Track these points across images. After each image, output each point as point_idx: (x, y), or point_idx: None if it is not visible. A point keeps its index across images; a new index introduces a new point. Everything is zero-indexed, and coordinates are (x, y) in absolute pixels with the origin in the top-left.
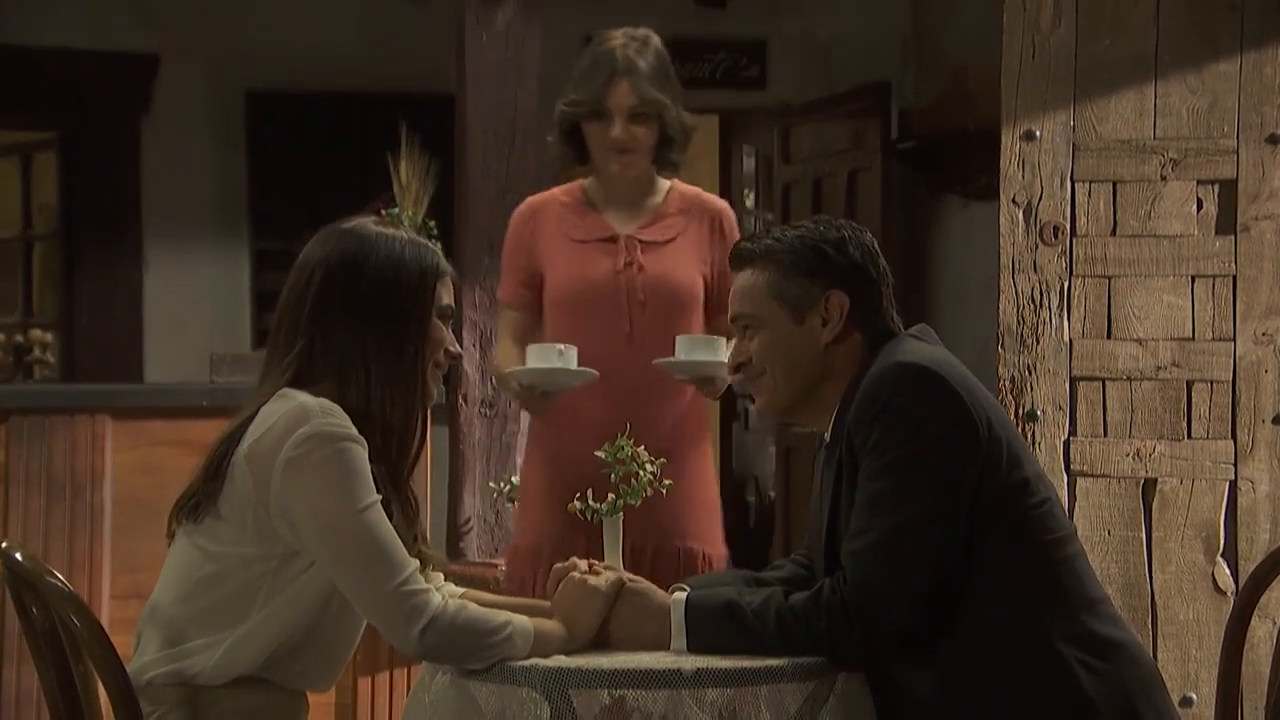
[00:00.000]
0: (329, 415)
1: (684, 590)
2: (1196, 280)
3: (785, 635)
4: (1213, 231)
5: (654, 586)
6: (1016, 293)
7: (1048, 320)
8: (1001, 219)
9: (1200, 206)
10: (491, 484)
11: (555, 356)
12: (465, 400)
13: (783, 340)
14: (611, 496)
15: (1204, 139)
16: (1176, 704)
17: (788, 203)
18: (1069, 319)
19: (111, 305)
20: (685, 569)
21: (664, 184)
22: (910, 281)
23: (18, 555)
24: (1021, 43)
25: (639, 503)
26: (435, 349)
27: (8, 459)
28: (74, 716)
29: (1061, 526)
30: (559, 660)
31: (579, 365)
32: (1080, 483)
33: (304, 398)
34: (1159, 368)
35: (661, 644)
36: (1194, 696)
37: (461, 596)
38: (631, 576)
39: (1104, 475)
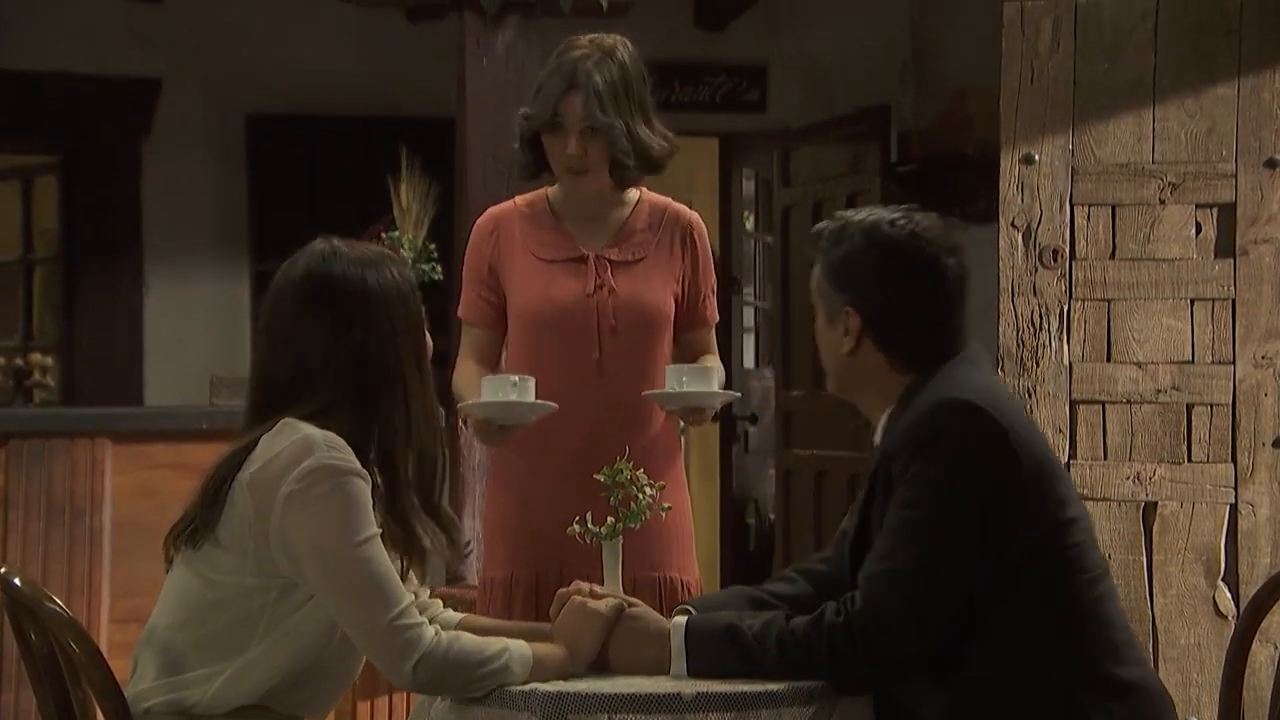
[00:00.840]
0: (334, 450)
1: (685, 614)
2: (1196, 304)
3: (786, 659)
4: (1212, 255)
5: (653, 611)
6: (1016, 316)
7: (1047, 343)
8: (1001, 242)
9: (1199, 230)
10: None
11: (510, 389)
12: (465, 423)
13: (823, 334)
14: (611, 520)
15: (1202, 163)
16: None
17: (787, 225)
18: (1069, 342)
19: (112, 328)
20: (667, 599)
21: (632, 194)
22: None
23: (16, 580)
24: (1020, 66)
25: (639, 525)
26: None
27: (7, 483)
28: None
29: (1095, 566)
30: (558, 685)
31: (542, 395)
32: None
33: (309, 429)
34: (1159, 391)
35: (661, 668)
36: None
37: (460, 624)
38: (632, 600)
39: (1104, 499)
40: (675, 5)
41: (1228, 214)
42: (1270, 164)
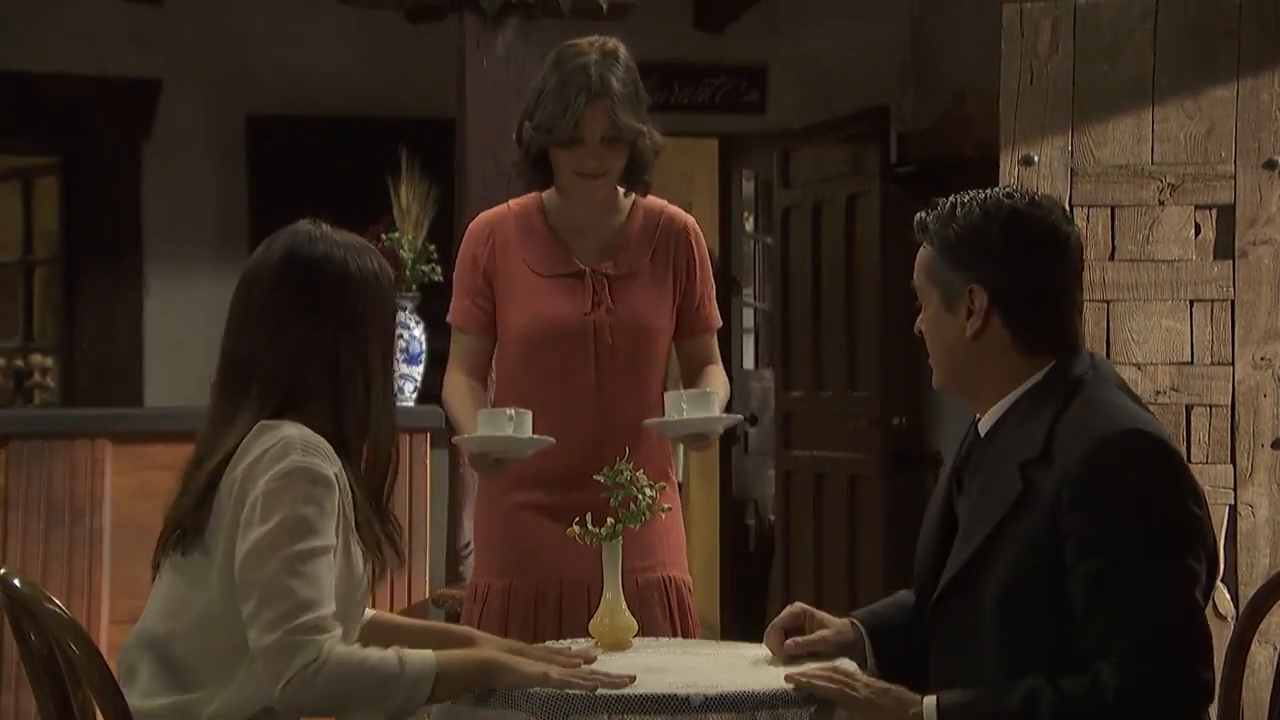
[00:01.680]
0: (310, 454)
1: (855, 624)
2: (1195, 305)
3: None
4: (1211, 256)
5: (897, 689)
6: None
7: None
8: None
9: (1198, 231)
10: None
11: (506, 423)
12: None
13: (937, 325)
14: (611, 521)
15: (1201, 164)
16: None
17: (787, 226)
18: None
19: (112, 329)
20: (673, 595)
21: (626, 201)
22: (909, 306)
23: (16, 581)
24: (1020, 68)
25: (638, 526)
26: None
27: (7, 484)
28: None
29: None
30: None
31: (538, 411)
32: None
33: (288, 430)
34: (1158, 392)
35: None
36: None
37: (370, 621)
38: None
39: None
40: (675, 6)
41: (1227, 215)
42: (1269, 165)
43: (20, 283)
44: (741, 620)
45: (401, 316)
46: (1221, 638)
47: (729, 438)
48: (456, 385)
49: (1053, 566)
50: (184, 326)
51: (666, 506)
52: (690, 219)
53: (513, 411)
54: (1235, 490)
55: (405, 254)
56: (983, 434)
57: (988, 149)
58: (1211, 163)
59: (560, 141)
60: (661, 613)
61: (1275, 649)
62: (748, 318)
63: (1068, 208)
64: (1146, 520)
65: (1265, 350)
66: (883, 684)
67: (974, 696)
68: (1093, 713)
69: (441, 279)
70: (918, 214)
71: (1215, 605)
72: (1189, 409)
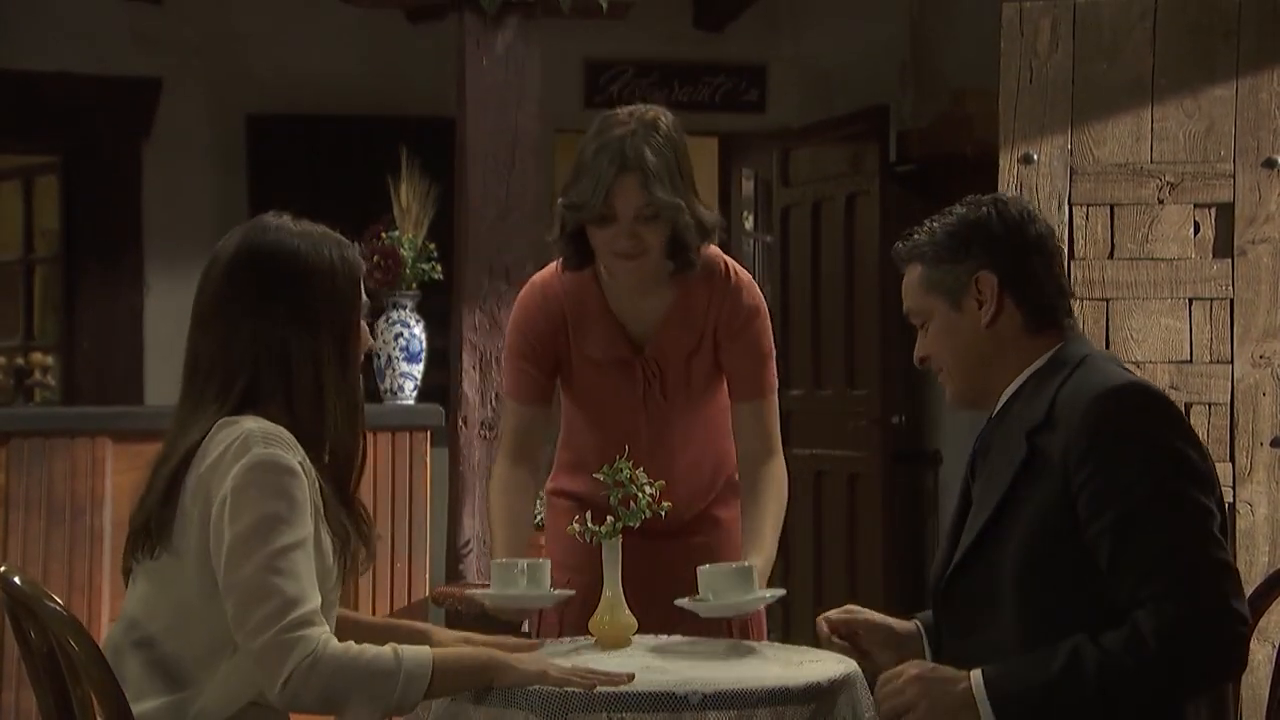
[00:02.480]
0: (272, 445)
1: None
2: (1194, 303)
3: (1107, 681)
4: (1210, 255)
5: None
6: None
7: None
8: None
9: (1197, 230)
10: None
11: (519, 578)
12: (465, 422)
13: (948, 330)
14: (610, 519)
15: (1201, 163)
16: None
17: (786, 225)
18: None
19: (112, 328)
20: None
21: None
22: None
23: (16, 579)
24: (1019, 67)
25: (637, 525)
26: (363, 348)
27: (8, 482)
28: None
29: None
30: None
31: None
32: None
33: (247, 424)
34: None
35: None
36: None
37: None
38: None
39: None
40: (674, 6)
41: (1226, 214)
42: (1268, 164)
43: (21, 282)
44: None
45: (401, 315)
46: None
47: None
48: (496, 488)
49: (1071, 527)
50: (184, 325)
51: (667, 505)
52: (739, 281)
53: (526, 564)
54: (1234, 488)
55: (405, 253)
56: (993, 414)
57: (987, 148)
58: (1211, 161)
59: (592, 219)
60: (735, 622)
61: (1274, 647)
62: None
63: (1067, 206)
64: (1153, 466)
65: (1264, 348)
66: (920, 666)
67: (1016, 664)
68: (1137, 662)
69: (441, 277)
70: (894, 248)
71: None
72: (1188, 407)
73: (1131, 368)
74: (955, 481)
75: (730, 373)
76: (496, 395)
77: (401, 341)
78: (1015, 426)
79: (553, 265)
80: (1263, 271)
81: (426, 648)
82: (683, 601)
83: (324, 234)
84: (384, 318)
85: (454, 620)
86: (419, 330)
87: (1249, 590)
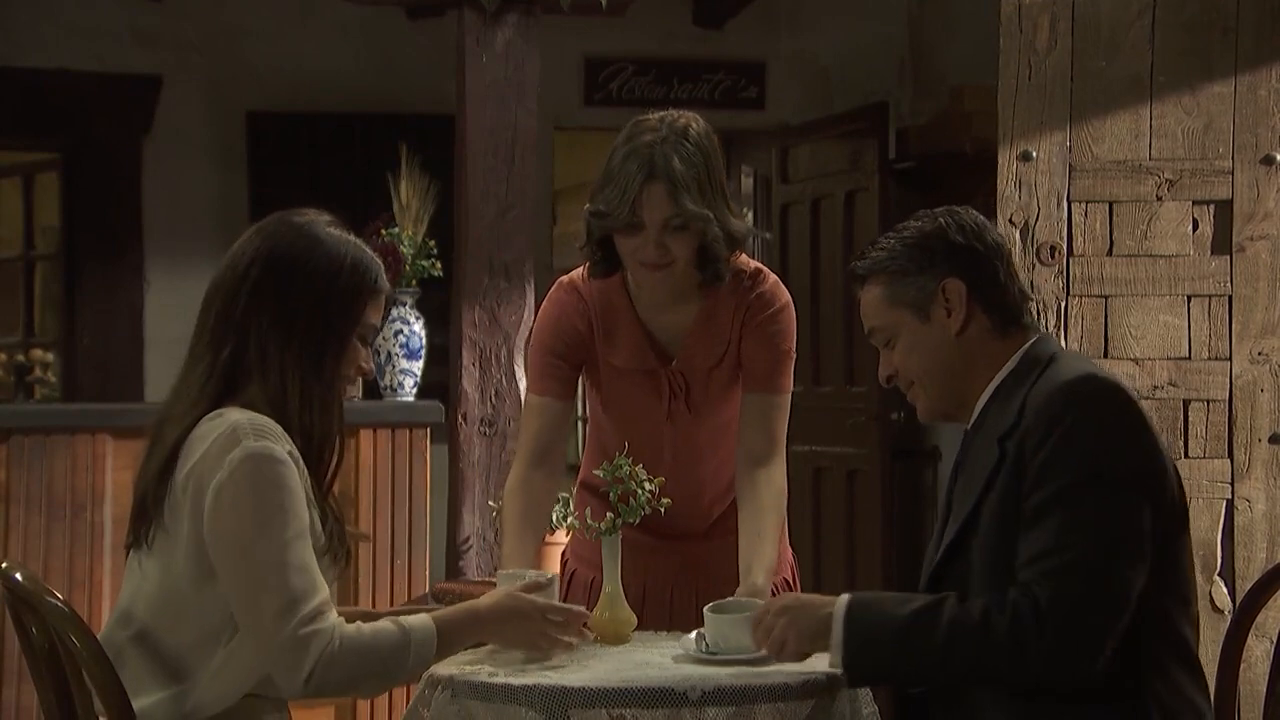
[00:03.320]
0: (262, 437)
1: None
2: (1193, 300)
3: (954, 634)
4: (1208, 252)
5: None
6: None
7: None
8: None
9: (1196, 227)
10: (491, 503)
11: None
12: (464, 419)
13: (917, 343)
14: (610, 515)
15: (1199, 160)
16: None
17: (786, 222)
18: (1066, 339)
19: (112, 325)
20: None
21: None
22: None
23: (17, 575)
24: (1018, 64)
25: (636, 521)
26: (349, 365)
27: (8, 478)
28: None
29: (1193, 585)
30: (559, 680)
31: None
32: None
33: (234, 415)
34: (1156, 387)
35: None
36: None
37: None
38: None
39: None
40: (674, 3)
41: (1224, 211)
42: (1267, 161)
43: (21, 278)
44: None
45: (401, 311)
46: (1218, 631)
47: None
48: (511, 492)
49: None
50: (184, 322)
51: (666, 501)
52: (766, 277)
53: (531, 576)
54: (1232, 485)
55: (405, 250)
56: (970, 424)
57: (986, 145)
58: (1209, 158)
59: (619, 227)
60: None
61: (1272, 642)
62: None
63: (1066, 203)
64: (1089, 456)
65: (1262, 345)
66: (789, 598)
67: (884, 599)
68: (983, 636)
69: (441, 274)
70: (851, 267)
71: (1212, 599)
72: (1186, 404)
73: (1105, 364)
74: None
75: (746, 365)
76: (496, 392)
77: (401, 338)
78: (989, 434)
79: (579, 270)
80: (1261, 268)
81: (427, 615)
82: (688, 642)
83: (350, 241)
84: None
85: None
86: (418, 327)
87: (1247, 585)
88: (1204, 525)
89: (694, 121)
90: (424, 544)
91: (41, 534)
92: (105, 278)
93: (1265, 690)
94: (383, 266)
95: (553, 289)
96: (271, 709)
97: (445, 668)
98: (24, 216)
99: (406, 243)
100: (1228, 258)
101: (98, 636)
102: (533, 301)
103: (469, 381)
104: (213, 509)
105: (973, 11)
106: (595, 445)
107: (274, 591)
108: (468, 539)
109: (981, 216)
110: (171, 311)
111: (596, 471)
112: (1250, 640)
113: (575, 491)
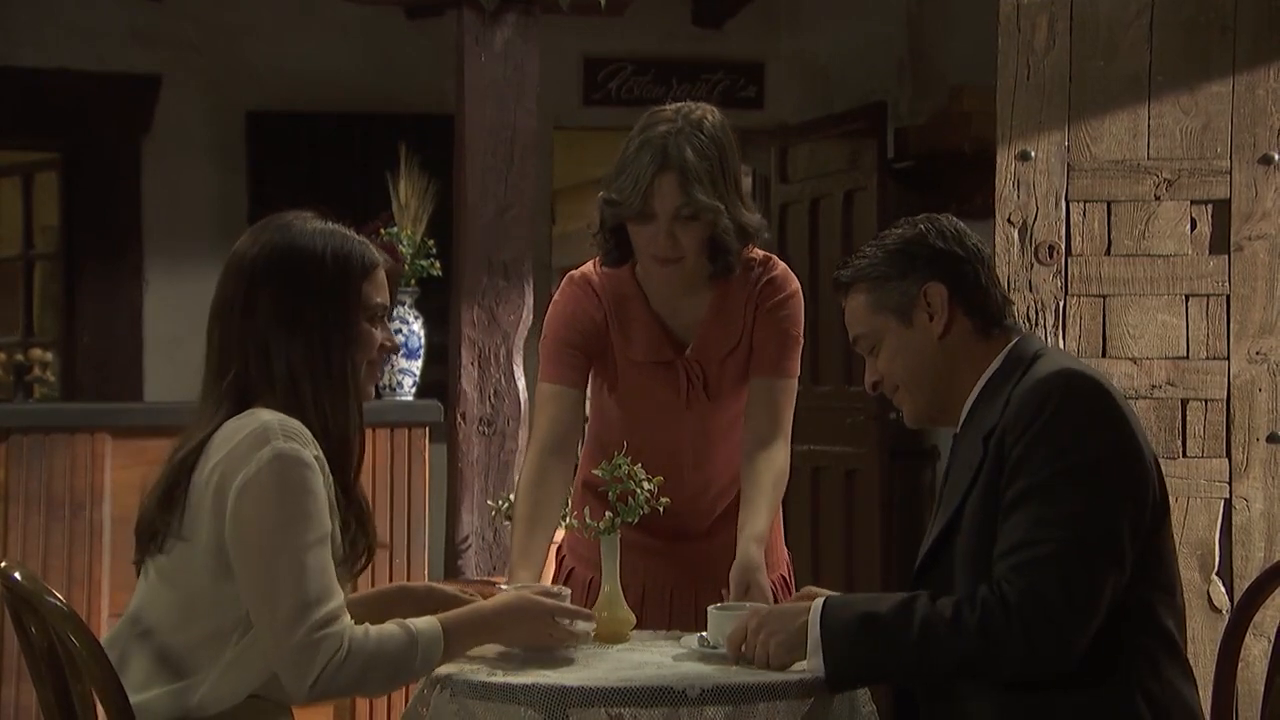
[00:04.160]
0: (291, 439)
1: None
2: (1191, 299)
3: (928, 633)
4: (1206, 251)
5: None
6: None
7: (1043, 339)
8: (997, 238)
9: (1194, 226)
10: (490, 502)
11: None
12: (464, 418)
13: (902, 347)
14: (609, 515)
15: (1197, 159)
16: None
17: (784, 222)
18: (1064, 338)
19: (112, 324)
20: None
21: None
22: None
23: (17, 574)
24: (1016, 64)
25: (635, 520)
26: (366, 350)
27: (7, 478)
28: None
29: (1177, 575)
30: (558, 679)
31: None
32: None
33: (265, 415)
34: (1154, 386)
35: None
36: None
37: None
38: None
39: None
40: (673, 2)
41: (1222, 210)
42: (1265, 160)
43: (21, 278)
44: None
45: (400, 311)
46: (1216, 630)
47: None
48: (525, 484)
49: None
50: (183, 322)
51: (665, 500)
52: (775, 264)
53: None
54: (1230, 484)
55: (404, 249)
56: (959, 425)
57: (985, 145)
58: (1207, 158)
59: (631, 216)
60: None
61: (1270, 641)
62: None
63: (1064, 203)
64: (1064, 450)
65: (1260, 344)
66: (763, 612)
67: (857, 599)
68: (952, 634)
69: (440, 273)
70: (834, 277)
71: (1210, 598)
72: (1184, 403)
73: (1103, 364)
74: None
75: (755, 349)
76: (495, 391)
77: (400, 337)
78: (976, 433)
79: (589, 264)
80: (1259, 268)
81: (433, 617)
82: (689, 641)
83: (328, 231)
84: None
85: None
86: (418, 326)
87: (1245, 584)
88: (1202, 524)
89: (710, 113)
90: (422, 543)
91: (41, 533)
92: (104, 277)
93: (1263, 689)
94: (369, 243)
95: (564, 283)
96: (275, 712)
97: (445, 667)
98: (23, 216)
99: (406, 242)
100: (1226, 257)
101: (104, 638)
102: (532, 301)
103: (468, 381)
104: (236, 506)
105: (971, 11)
106: (596, 444)
107: (290, 594)
108: (466, 538)
109: (961, 223)
110: (171, 311)
111: (596, 471)
112: (1248, 639)
113: (574, 490)
